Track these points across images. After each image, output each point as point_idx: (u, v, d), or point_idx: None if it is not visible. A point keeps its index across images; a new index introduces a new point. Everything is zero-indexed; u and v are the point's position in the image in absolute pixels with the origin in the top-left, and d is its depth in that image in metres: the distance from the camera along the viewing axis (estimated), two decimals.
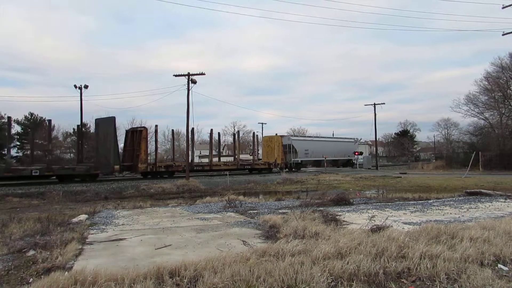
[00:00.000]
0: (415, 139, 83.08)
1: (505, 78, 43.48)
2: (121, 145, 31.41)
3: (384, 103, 46.85)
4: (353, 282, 4.11)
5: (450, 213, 9.84)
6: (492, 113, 44.89)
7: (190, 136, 30.10)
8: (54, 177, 25.12)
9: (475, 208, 10.90)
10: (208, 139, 39.23)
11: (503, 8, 23.47)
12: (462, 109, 46.75)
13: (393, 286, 4.11)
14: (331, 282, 4.11)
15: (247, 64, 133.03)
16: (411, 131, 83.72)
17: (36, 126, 47.60)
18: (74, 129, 46.15)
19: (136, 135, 28.70)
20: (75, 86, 36.66)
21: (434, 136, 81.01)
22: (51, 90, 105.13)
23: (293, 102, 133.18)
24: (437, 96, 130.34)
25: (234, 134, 41.13)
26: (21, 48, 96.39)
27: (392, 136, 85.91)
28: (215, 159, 35.10)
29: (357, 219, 8.67)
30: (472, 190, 15.41)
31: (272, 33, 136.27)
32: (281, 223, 7.74)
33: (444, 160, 47.76)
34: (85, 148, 33.44)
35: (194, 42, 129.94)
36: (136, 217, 9.87)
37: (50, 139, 30.10)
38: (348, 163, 49.86)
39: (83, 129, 38.79)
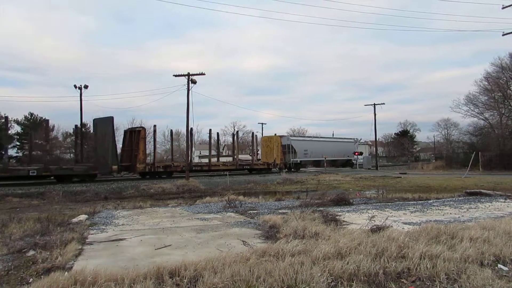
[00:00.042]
0: (415, 139, 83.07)
1: (505, 78, 43.54)
2: (120, 145, 31.38)
3: (384, 103, 46.96)
4: (353, 282, 4.11)
5: (450, 213, 9.85)
6: (492, 113, 44.96)
7: (189, 136, 30.11)
8: (52, 178, 25.00)
9: (475, 208, 10.91)
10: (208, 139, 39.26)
11: (503, 8, 23.52)
12: (462, 109, 46.89)
13: (393, 286, 4.11)
14: (331, 282, 4.11)
15: (247, 64, 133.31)
16: (411, 131, 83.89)
17: (35, 126, 47.55)
18: (73, 129, 46.13)
19: (135, 135, 28.65)
20: (75, 86, 36.73)
21: (434, 136, 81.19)
22: (51, 90, 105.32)
23: (293, 102, 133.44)
24: (437, 96, 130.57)
25: (233, 134, 41.09)
26: (21, 48, 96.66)
27: (392, 136, 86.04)
28: (214, 159, 35.05)
29: (357, 219, 8.67)
30: (472, 190, 15.42)
31: (272, 33, 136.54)
32: (281, 223, 7.74)
33: (444, 160, 47.77)
34: (85, 148, 33.36)
35: (194, 42, 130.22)
36: (136, 217, 9.87)
37: (48, 139, 30.03)
38: (347, 163, 49.81)
39: (83, 129, 38.74)
